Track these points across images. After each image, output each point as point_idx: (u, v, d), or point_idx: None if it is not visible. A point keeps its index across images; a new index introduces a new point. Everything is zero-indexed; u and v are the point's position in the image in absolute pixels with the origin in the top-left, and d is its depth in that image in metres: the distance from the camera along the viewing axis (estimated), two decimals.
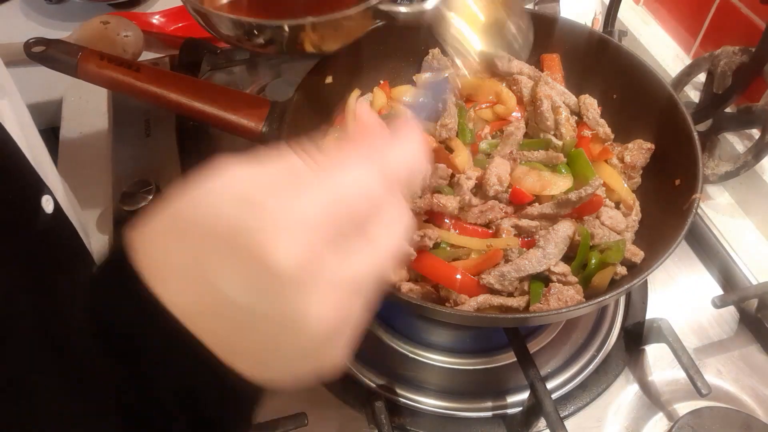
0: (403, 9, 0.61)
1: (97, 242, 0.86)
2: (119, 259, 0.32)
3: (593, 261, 0.71)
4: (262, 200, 0.31)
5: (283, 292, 0.30)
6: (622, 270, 0.72)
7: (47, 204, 0.52)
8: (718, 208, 0.96)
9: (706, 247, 0.93)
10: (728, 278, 0.89)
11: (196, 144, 0.96)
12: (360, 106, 0.41)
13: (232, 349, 0.32)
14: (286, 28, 0.47)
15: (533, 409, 0.71)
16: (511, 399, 0.76)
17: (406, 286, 0.70)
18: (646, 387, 0.79)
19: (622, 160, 0.82)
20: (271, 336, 0.32)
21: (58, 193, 0.55)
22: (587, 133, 0.85)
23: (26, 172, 0.51)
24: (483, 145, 0.82)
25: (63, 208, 0.55)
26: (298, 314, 0.31)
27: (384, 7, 0.60)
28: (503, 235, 0.72)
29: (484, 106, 0.87)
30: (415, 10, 0.62)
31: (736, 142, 0.94)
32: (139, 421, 0.32)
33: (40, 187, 0.53)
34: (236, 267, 0.30)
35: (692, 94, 1.00)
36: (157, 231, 0.32)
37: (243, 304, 0.30)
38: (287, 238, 0.30)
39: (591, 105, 0.86)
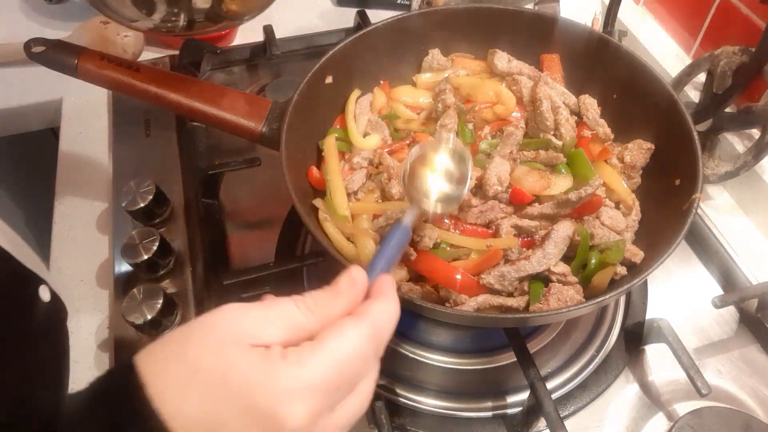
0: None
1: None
2: (124, 378, 0.37)
3: (593, 261, 0.71)
4: (274, 363, 0.38)
5: None
6: (622, 270, 0.72)
7: (44, 293, 0.51)
8: (718, 208, 0.96)
9: (706, 247, 0.93)
10: (728, 278, 0.89)
11: (196, 144, 0.96)
12: (354, 269, 0.45)
13: None
14: None
15: (533, 409, 0.71)
16: (511, 399, 0.76)
17: (406, 286, 0.70)
18: (646, 387, 0.79)
19: (622, 160, 0.82)
20: None
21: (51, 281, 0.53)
22: (587, 133, 0.85)
23: (19, 272, 0.50)
24: (483, 145, 0.82)
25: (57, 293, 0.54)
26: None
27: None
28: (503, 235, 0.72)
29: (484, 106, 0.87)
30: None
31: (736, 142, 0.94)
32: None
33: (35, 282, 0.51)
34: (251, 424, 0.37)
35: (692, 94, 1.00)
36: (172, 373, 0.37)
37: None
38: (296, 403, 0.37)
39: (591, 105, 0.86)
